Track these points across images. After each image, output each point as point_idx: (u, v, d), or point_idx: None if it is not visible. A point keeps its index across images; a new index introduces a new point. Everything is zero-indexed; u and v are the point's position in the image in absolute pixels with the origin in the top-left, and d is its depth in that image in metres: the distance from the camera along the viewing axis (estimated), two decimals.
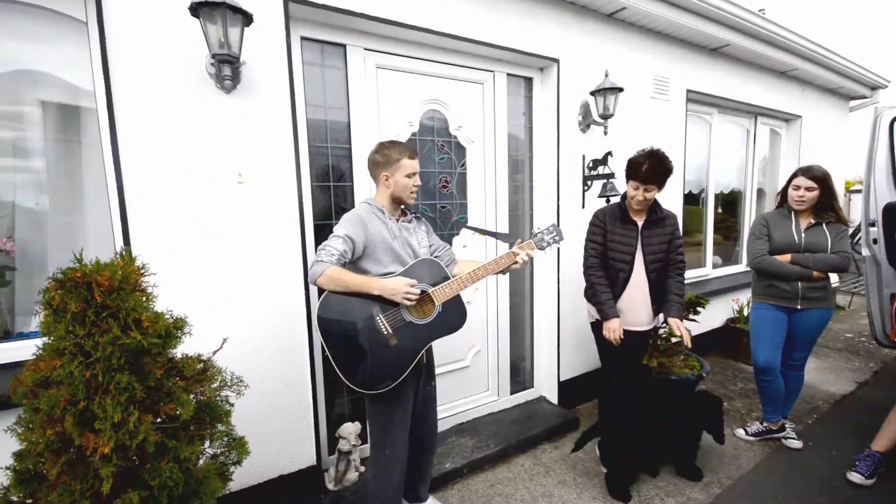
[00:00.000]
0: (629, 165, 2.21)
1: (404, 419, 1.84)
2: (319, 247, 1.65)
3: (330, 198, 2.30)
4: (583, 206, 3.04)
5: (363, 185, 2.35)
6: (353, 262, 1.75)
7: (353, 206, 2.27)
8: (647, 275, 2.28)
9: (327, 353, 1.65)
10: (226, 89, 1.81)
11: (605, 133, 2.92)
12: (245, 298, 1.95)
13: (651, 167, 2.12)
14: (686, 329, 2.22)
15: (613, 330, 2.20)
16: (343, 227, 1.68)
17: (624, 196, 2.34)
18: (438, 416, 2.72)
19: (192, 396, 1.29)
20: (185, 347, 1.33)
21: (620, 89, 2.77)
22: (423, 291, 1.75)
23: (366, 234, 1.71)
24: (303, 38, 2.14)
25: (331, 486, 2.28)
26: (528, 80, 2.95)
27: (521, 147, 2.99)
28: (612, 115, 2.83)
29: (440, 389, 2.68)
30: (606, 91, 2.76)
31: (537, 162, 3.01)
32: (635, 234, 2.28)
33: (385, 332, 1.68)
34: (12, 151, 1.72)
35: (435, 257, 1.96)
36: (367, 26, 2.20)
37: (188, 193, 1.80)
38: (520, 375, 3.19)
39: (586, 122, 2.95)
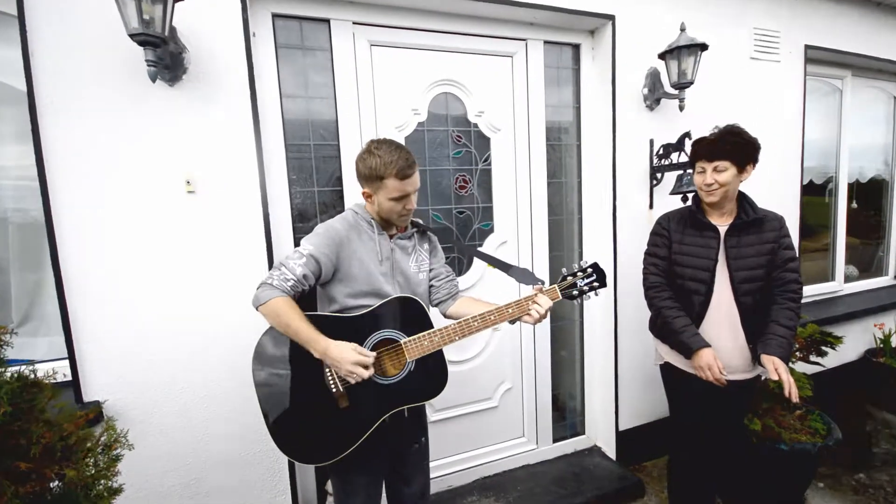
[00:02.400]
0: (694, 144, 1.64)
1: (370, 490, 1.42)
2: (276, 263, 1.29)
3: (315, 205, 1.91)
4: (650, 207, 2.34)
5: (355, 190, 1.93)
6: (323, 286, 1.36)
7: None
8: (736, 299, 1.61)
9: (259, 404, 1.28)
10: (168, 81, 1.50)
11: (682, 108, 2.19)
12: (201, 329, 1.64)
13: (721, 135, 1.57)
14: (789, 378, 1.49)
15: (709, 365, 1.55)
16: (311, 241, 1.29)
17: (696, 197, 1.67)
18: (455, 468, 2.28)
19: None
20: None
21: (703, 46, 2.04)
22: (392, 341, 1.29)
23: (338, 255, 1.30)
24: (275, 16, 1.78)
25: None
26: (574, 48, 2.31)
27: (564, 134, 2.37)
28: (690, 83, 2.10)
29: (457, 434, 2.22)
30: (683, 51, 2.04)
31: (587, 152, 2.37)
32: (715, 242, 1.62)
33: (333, 390, 1.26)
34: None
35: (431, 286, 1.50)
36: None
37: (126, 204, 1.52)
38: (566, 418, 2.57)
39: (655, 96, 2.24)
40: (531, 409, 2.41)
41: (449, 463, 2.26)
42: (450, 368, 2.13)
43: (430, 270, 1.52)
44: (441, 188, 2.13)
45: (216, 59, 1.57)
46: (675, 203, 2.09)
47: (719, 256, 1.62)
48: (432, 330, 1.30)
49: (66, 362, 1.49)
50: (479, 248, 1.58)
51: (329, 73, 1.87)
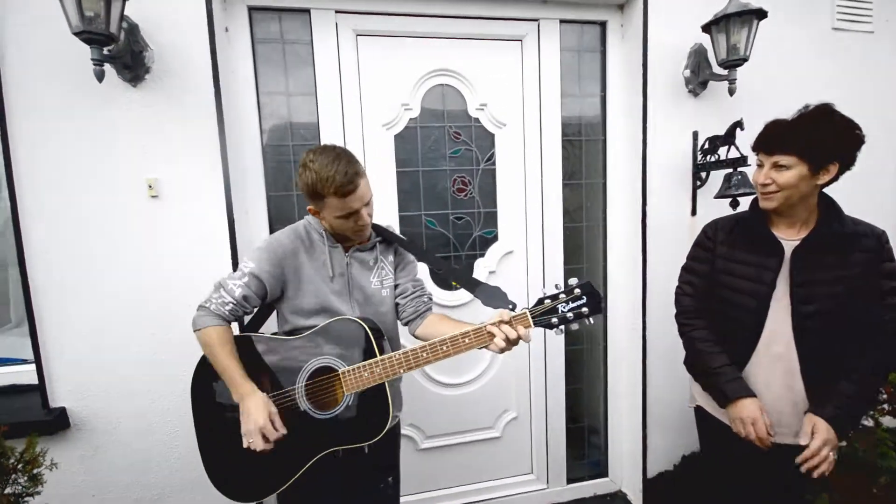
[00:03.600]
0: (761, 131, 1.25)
1: None
2: (217, 282, 1.16)
3: (294, 209, 1.78)
4: (693, 213, 1.94)
5: None
6: (274, 304, 1.25)
7: None
8: (797, 338, 1.22)
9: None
10: (129, 81, 1.45)
11: (732, 92, 1.77)
12: (165, 338, 1.57)
13: (794, 119, 1.18)
14: (820, 449, 1.11)
15: (752, 419, 1.21)
16: (252, 257, 1.16)
17: (755, 201, 1.30)
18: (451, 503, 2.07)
19: None
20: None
21: (760, 14, 1.62)
22: (331, 370, 1.11)
23: (283, 272, 1.16)
24: (251, 9, 1.67)
25: None
26: (599, 27, 1.97)
27: (586, 127, 2.04)
28: (743, 61, 1.69)
29: (454, 465, 2.01)
30: (733, 21, 1.64)
31: (614, 148, 2.02)
32: (776, 262, 1.24)
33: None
34: None
35: (397, 304, 1.31)
36: None
37: (90, 207, 1.49)
38: (586, 456, 2.23)
39: (700, 79, 1.84)
40: (541, 442, 2.10)
41: (444, 496, 2.04)
42: (444, 392, 1.96)
43: (396, 286, 1.32)
44: (437, 191, 1.91)
45: (180, 58, 1.49)
46: (723, 209, 1.69)
47: (779, 281, 1.23)
48: (374, 360, 1.10)
49: (24, 367, 1.49)
50: (435, 255, 1.29)
51: (311, 69, 1.73)
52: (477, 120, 1.90)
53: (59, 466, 1.53)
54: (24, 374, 1.59)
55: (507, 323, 1.05)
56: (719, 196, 1.77)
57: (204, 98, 1.52)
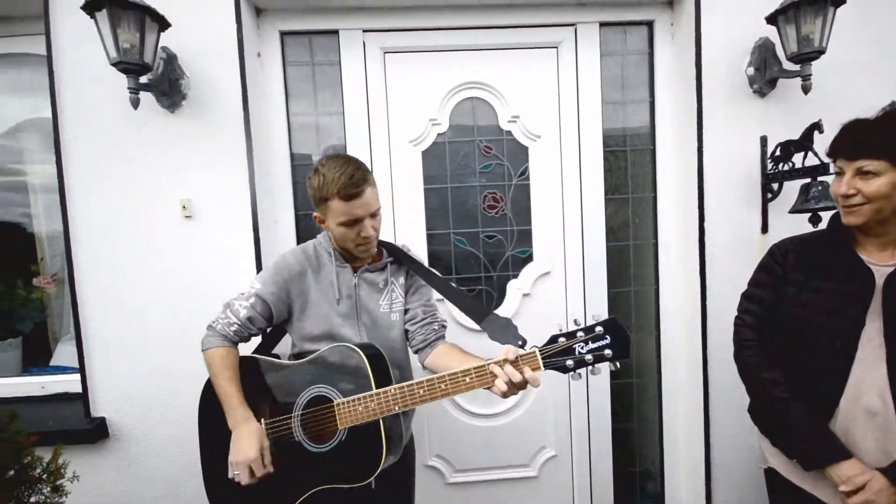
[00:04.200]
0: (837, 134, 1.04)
1: None
2: (225, 301, 1.16)
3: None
4: (764, 230, 1.67)
5: None
6: (281, 326, 1.22)
7: None
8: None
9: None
10: (168, 108, 1.53)
11: (807, 89, 1.51)
12: (197, 352, 1.61)
13: (887, 119, 0.98)
14: None
15: (855, 478, 0.97)
16: (260, 278, 1.15)
17: (837, 217, 1.08)
18: None
19: None
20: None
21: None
22: (327, 400, 1.04)
23: (289, 294, 1.14)
24: (283, 34, 1.72)
25: None
26: (646, 27, 1.80)
27: (632, 137, 1.85)
28: (818, 54, 1.44)
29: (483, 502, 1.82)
30: (804, 8, 1.41)
31: (665, 157, 1.82)
32: (864, 289, 1.00)
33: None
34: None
35: (406, 331, 1.23)
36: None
37: (131, 227, 1.57)
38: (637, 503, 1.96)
39: (767, 76, 1.60)
40: (584, 486, 1.88)
41: None
42: (474, 422, 1.82)
43: (406, 311, 1.23)
44: (466, 208, 1.82)
45: (213, 84, 1.56)
46: (800, 225, 1.43)
47: (869, 317, 0.99)
48: (369, 393, 1.01)
49: (78, 375, 1.58)
50: (443, 279, 1.23)
51: (338, 88, 1.74)
52: (509, 133, 1.80)
53: (98, 475, 1.61)
54: (76, 384, 1.70)
55: (512, 363, 0.92)
56: (795, 210, 1.50)
57: (234, 122, 1.56)
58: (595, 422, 1.86)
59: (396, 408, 0.99)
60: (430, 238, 1.81)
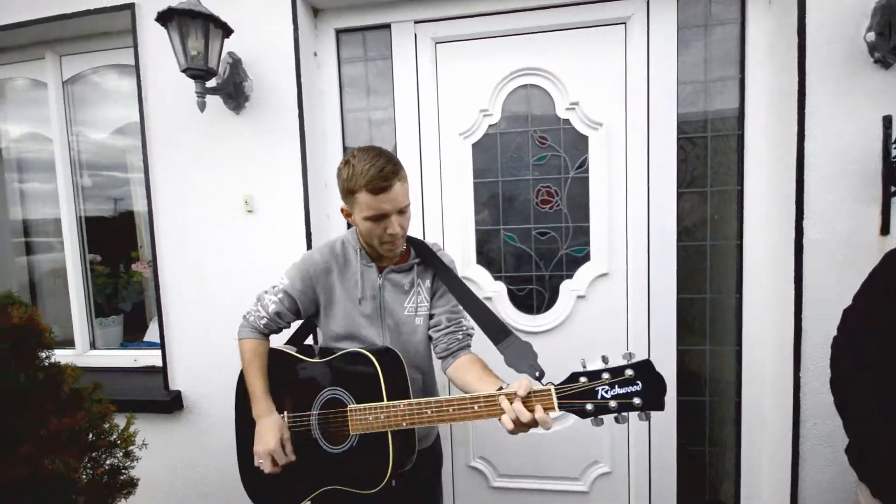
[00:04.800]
0: None
1: None
2: (258, 294, 1.20)
3: None
4: (884, 231, 1.36)
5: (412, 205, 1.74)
6: (310, 320, 1.24)
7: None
8: None
9: None
10: (233, 109, 1.64)
11: None
12: None
13: None
14: None
15: None
16: (288, 274, 1.17)
17: None
18: None
19: None
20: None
21: None
22: (341, 403, 1.04)
23: (315, 291, 1.14)
24: (338, 32, 1.75)
25: None
26: None
27: (714, 121, 1.61)
28: None
29: None
30: None
31: (756, 144, 1.55)
32: None
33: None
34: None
35: (430, 337, 1.18)
36: None
37: (202, 220, 1.72)
38: None
39: (893, 42, 1.28)
40: None
41: None
42: None
43: (431, 317, 1.18)
44: (518, 203, 1.72)
45: (272, 85, 1.63)
46: None
47: None
48: (380, 405, 0.97)
49: (160, 351, 1.78)
50: (468, 289, 1.11)
51: (390, 82, 1.73)
52: (566, 121, 1.66)
53: (172, 442, 1.80)
54: (160, 359, 1.91)
55: (523, 399, 0.83)
56: None
57: (291, 121, 1.63)
58: (658, 440, 1.68)
59: (405, 424, 0.94)
60: (479, 234, 1.74)
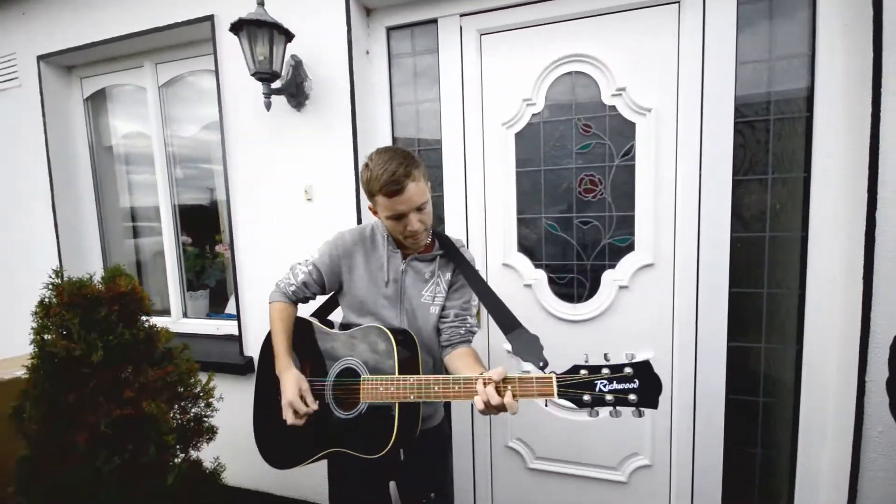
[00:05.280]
0: None
1: None
2: (292, 264, 1.32)
3: None
4: None
5: (455, 193, 1.81)
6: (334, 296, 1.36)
7: (443, 224, 1.83)
8: None
9: None
10: (295, 107, 1.81)
11: None
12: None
13: None
14: None
15: None
16: (320, 249, 1.29)
17: None
18: None
19: None
20: None
21: None
22: (354, 373, 1.14)
23: (339, 270, 1.25)
24: (389, 29, 1.85)
25: None
26: None
27: (777, 103, 1.48)
28: None
29: (571, 500, 1.79)
30: None
31: (827, 127, 1.42)
32: None
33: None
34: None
35: (443, 327, 1.24)
36: None
37: (269, 207, 1.93)
38: None
39: None
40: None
41: None
42: (561, 414, 1.78)
43: (443, 308, 1.24)
44: (560, 192, 1.72)
45: (328, 84, 1.77)
46: None
47: None
48: (391, 377, 1.06)
49: (236, 322, 2.04)
50: (486, 284, 1.17)
51: (436, 74, 1.80)
52: (612, 108, 1.62)
53: (245, 400, 2.05)
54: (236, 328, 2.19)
55: (497, 384, 0.90)
56: None
57: (344, 116, 1.76)
58: (703, 438, 1.63)
59: (412, 397, 1.02)
60: (521, 222, 1.77)
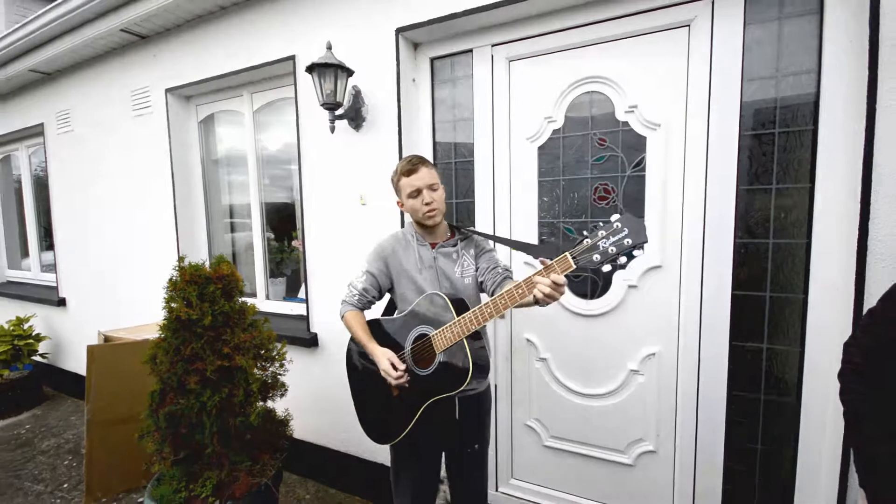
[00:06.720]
0: None
1: (420, 481, 1.60)
2: (349, 282, 1.62)
3: (453, 213, 2.20)
4: None
5: (485, 200, 2.08)
6: (389, 293, 1.69)
7: (474, 225, 2.12)
8: None
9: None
10: (354, 129, 2.19)
11: None
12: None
13: None
14: None
15: None
16: (367, 259, 1.63)
17: None
18: None
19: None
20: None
21: None
22: (424, 336, 1.45)
23: (388, 267, 1.59)
24: (433, 60, 2.16)
25: None
26: None
27: (784, 116, 1.56)
28: None
29: (581, 476, 2.05)
30: None
31: (832, 140, 1.49)
32: None
33: (387, 381, 1.48)
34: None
35: (481, 283, 1.56)
36: (490, 18, 1.91)
37: (331, 211, 2.34)
38: None
39: None
40: (685, 492, 1.80)
41: (567, 501, 2.05)
42: (571, 398, 2.03)
43: (476, 269, 1.56)
44: (577, 199, 1.92)
45: (380, 108, 2.13)
46: None
47: None
48: (453, 321, 1.35)
49: (305, 305, 2.48)
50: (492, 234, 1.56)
51: (470, 97, 2.08)
52: (625, 123, 1.80)
53: (310, 370, 2.49)
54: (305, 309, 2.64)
55: (551, 267, 1.17)
56: None
57: (392, 134, 2.11)
58: (705, 429, 1.75)
59: (474, 325, 1.30)
60: (541, 225, 2.00)
